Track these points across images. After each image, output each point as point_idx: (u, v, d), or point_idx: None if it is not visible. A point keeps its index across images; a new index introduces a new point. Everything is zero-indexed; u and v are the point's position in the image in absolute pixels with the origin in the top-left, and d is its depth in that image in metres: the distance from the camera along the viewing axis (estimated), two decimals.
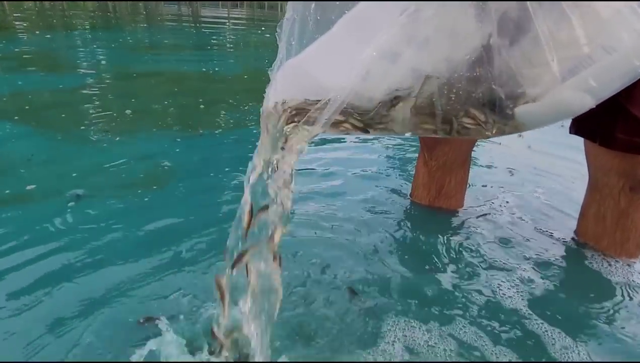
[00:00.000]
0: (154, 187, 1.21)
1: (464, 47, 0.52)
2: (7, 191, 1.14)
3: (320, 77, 0.55)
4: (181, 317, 0.72)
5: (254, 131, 1.79)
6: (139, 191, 1.18)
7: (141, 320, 0.71)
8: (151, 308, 0.74)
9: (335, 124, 0.56)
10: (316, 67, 0.56)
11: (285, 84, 0.57)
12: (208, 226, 1.01)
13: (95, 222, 1.01)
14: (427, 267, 0.93)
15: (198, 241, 0.95)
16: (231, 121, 1.92)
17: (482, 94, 0.54)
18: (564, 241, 1.07)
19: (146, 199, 1.14)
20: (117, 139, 1.58)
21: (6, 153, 1.40)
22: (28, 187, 1.16)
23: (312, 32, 0.58)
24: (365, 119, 0.56)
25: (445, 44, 0.53)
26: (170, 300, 0.76)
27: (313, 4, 0.57)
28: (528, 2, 0.50)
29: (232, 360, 0.62)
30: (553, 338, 0.74)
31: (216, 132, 1.75)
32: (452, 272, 0.91)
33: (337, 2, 0.57)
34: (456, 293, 0.84)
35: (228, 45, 4.67)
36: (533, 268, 0.95)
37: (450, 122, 0.56)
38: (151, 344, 0.66)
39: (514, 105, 0.54)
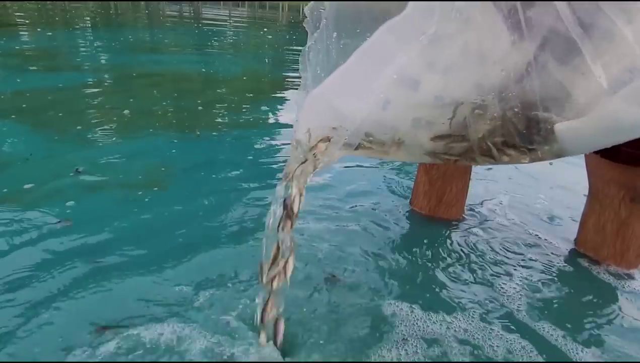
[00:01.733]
0: (155, 189, 1.21)
1: (497, 70, 0.48)
2: (5, 190, 1.13)
3: (341, 107, 0.55)
4: (171, 316, 0.71)
5: (251, 133, 1.78)
6: (139, 192, 1.17)
7: (98, 328, 0.69)
8: (147, 311, 0.73)
9: (365, 148, 0.57)
10: (336, 96, 0.56)
11: (311, 113, 0.57)
12: (207, 229, 1.01)
13: (93, 223, 1.00)
14: (425, 274, 0.91)
15: (197, 245, 0.93)
16: (229, 123, 1.91)
17: (521, 115, 0.49)
18: (563, 250, 1.06)
19: (146, 200, 1.14)
20: (114, 139, 1.57)
21: (3, 152, 1.39)
22: (26, 186, 1.15)
23: (336, 60, 0.58)
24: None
25: (474, 67, 0.50)
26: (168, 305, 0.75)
27: (335, 33, 0.57)
28: (570, 15, 0.44)
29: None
30: (550, 343, 0.73)
31: (213, 133, 1.74)
32: (450, 279, 0.90)
33: (358, 30, 0.56)
34: (454, 299, 0.83)
35: (228, 45, 4.67)
36: (532, 276, 0.94)
37: (489, 149, 0.52)
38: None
39: (555, 122, 0.49)
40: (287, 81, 3.02)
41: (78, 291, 0.78)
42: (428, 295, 0.84)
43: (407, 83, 0.52)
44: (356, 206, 1.20)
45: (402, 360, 0.67)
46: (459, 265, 0.96)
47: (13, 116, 1.74)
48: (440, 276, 0.91)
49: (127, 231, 0.98)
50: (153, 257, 0.89)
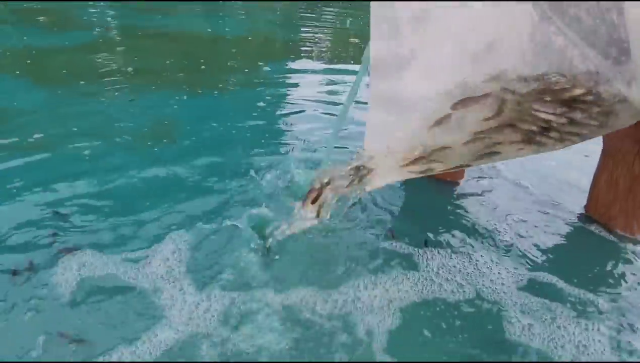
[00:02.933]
0: (164, 141, 1.22)
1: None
2: (16, 139, 1.16)
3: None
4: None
5: (252, 92, 1.74)
6: (149, 143, 1.19)
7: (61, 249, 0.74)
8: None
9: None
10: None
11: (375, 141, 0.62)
12: (213, 173, 1.04)
13: (104, 170, 1.02)
14: (428, 239, 0.88)
15: (204, 192, 0.96)
16: (229, 82, 1.87)
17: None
18: (573, 214, 1.01)
19: (156, 149, 1.16)
20: (116, 94, 1.56)
21: (10, 105, 1.40)
22: (36, 136, 1.18)
23: None
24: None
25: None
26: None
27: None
28: None
29: None
30: (563, 297, 0.72)
31: (215, 92, 1.72)
32: (452, 243, 0.87)
33: None
34: (455, 265, 0.81)
35: (238, 7, 4.50)
36: (540, 237, 0.90)
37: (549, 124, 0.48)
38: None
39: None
40: (294, 43, 2.91)
41: (91, 227, 0.81)
42: (429, 262, 0.81)
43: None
44: None
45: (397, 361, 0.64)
46: (460, 229, 0.92)
47: (17, 72, 1.75)
48: (449, 238, 0.88)
49: (141, 178, 1.00)
50: (165, 198, 0.92)
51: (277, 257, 0.74)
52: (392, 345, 0.61)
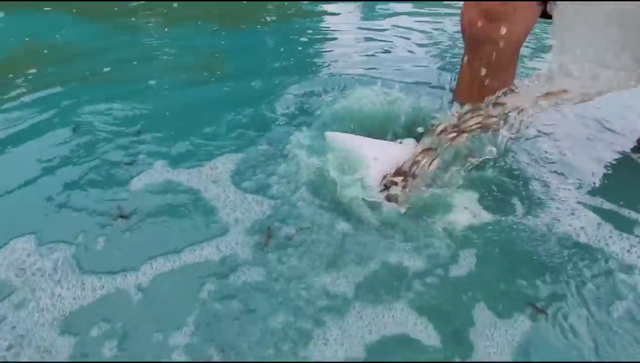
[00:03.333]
0: (218, 72, 1.29)
1: None
2: (88, 72, 1.28)
3: None
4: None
5: (293, 26, 1.74)
6: (205, 73, 1.27)
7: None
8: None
9: None
10: None
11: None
12: (264, 104, 1.09)
13: (169, 98, 1.12)
14: (472, 176, 0.85)
15: (254, 117, 1.03)
16: (270, 17, 1.86)
17: None
18: (625, 146, 0.99)
19: (212, 80, 1.24)
20: (166, 30, 1.62)
21: (75, 42, 1.51)
22: (105, 69, 1.29)
23: None
24: None
25: None
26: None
27: None
28: None
29: None
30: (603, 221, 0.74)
31: (257, 26, 1.73)
32: (498, 164, 0.87)
33: None
34: (506, 181, 0.82)
35: None
36: (585, 167, 0.88)
37: None
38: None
39: None
40: None
41: (156, 143, 0.92)
42: (474, 201, 0.79)
43: None
44: (396, 97, 1.16)
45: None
46: (515, 150, 0.93)
47: (74, 10, 1.84)
48: (492, 170, 0.88)
49: (201, 102, 1.09)
50: (222, 120, 1.01)
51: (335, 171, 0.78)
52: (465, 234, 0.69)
